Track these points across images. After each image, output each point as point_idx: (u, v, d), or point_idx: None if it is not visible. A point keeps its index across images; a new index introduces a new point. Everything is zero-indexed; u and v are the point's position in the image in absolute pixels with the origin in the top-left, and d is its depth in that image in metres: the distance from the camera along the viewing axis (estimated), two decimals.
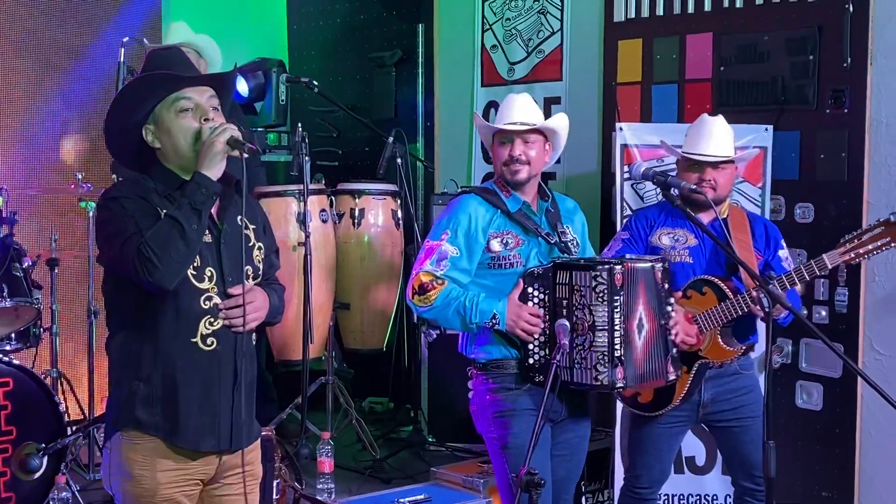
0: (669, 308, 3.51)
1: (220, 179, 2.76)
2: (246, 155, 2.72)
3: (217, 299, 2.77)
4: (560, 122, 3.66)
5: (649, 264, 3.47)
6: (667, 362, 3.47)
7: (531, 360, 3.42)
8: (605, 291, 3.30)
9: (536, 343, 3.41)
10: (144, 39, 5.24)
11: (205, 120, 2.76)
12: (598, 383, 3.33)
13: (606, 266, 3.32)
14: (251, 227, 2.91)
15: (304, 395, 5.10)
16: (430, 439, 5.58)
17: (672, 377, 3.51)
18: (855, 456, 4.76)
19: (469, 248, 3.47)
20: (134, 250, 2.61)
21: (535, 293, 3.41)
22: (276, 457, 4.35)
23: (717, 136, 3.83)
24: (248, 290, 2.80)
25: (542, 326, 3.40)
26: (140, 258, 2.60)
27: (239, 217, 2.87)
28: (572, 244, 3.61)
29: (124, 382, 2.79)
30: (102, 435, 4.61)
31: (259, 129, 6.04)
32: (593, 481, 4.98)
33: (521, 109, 3.59)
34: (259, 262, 2.91)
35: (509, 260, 3.48)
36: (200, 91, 2.80)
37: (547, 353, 3.38)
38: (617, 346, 3.32)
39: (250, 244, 2.89)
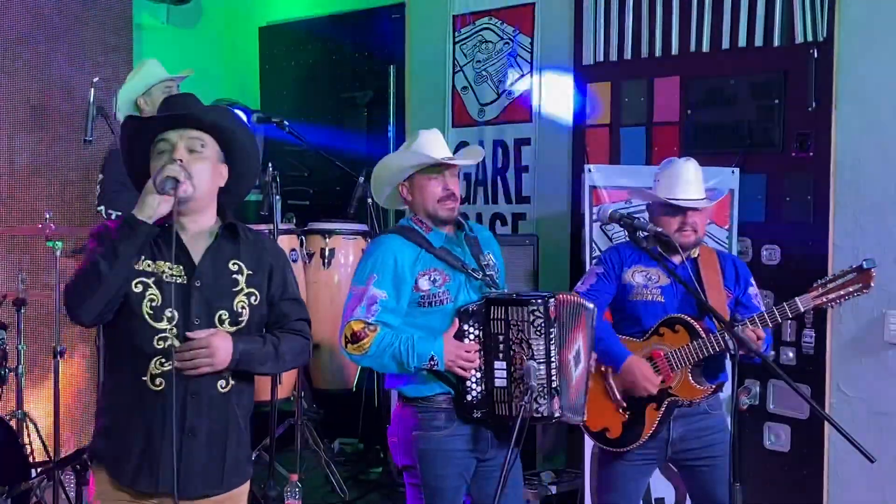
0: (594, 353, 3.56)
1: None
2: (181, 195, 2.72)
3: (175, 341, 2.75)
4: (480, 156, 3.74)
5: (592, 305, 3.52)
6: (586, 402, 3.52)
7: (469, 398, 3.41)
8: (543, 325, 3.32)
9: (473, 379, 3.40)
10: None
11: (172, 161, 2.76)
12: (539, 415, 3.35)
13: (541, 300, 3.34)
14: (247, 272, 2.88)
15: (272, 437, 5.06)
16: (399, 481, 5.54)
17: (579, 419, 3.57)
18: (822, 497, 4.78)
19: (397, 289, 3.42)
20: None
21: (472, 329, 3.41)
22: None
23: (695, 180, 3.85)
24: (208, 335, 2.77)
25: (479, 362, 3.40)
26: (65, 292, 2.72)
27: (233, 261, 2.86)
28: (494, 270, 3.61)
29: (98, 413, 2.91)
30: (67, 476, 4.62)
31: None
32: None
33: (443, 145, 3.58)
34: (243, 308, 2.86)
35: (439, 297, 3.45)
36: (181, 133, 2.81)
37: (484, 388, 3.39)
38: (554, 378, 3.34)
39: (236, 289, 2.85)
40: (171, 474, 2.71)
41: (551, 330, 3.33)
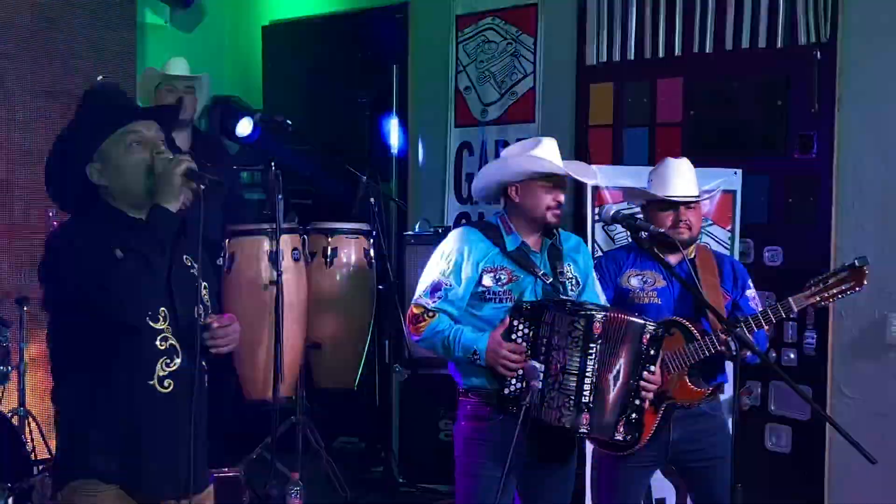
0: (646, 373, 3.47)
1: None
2: (203, 187, 2.66)
3: (172, 340, 2.70)
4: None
5: (642, 322, 3.46)
6: (618, 422, 3.47)
7: (507, 391, 3.44)
8: (580, 338, 3.32)
9: (515, 374, 3.43)
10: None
11: (157, 153, 2.70)
12: (560, 424, 3.36)
13: (587, 314, 3.34)
14: (195, 265, 2.82)
15: (273, 435, 5.07)
16: (400, 480, 5.55)
17: (618, 437, 3.48)
18: (823, 498, 4.78)
19: (463, 279, 3.52)
20: (94, 288, 2.54)
21: (521, 327, 3.43)
22: (245, 498, 4.32)
23: (687, 177, 3.88)
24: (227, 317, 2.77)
25: (524, 362, 3.41)
26: (103, 294, 2.54)
27: (185, 256, 2.80)
28: (571, 283, 3.62)
29: (76, 431, 2.68)
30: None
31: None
32: None
33: (559, 156, 3.62)
34: (207, 300, 2.81)
35: (499, 296, 3.51)
36: (148, 125, 2.74)
37: (525, 385, 3.40)
38: (585, 393, 3.34)
39: (196, 283, 2.79)
40: (189, 475, 2.66)
41: (591, 346, 3.33)
